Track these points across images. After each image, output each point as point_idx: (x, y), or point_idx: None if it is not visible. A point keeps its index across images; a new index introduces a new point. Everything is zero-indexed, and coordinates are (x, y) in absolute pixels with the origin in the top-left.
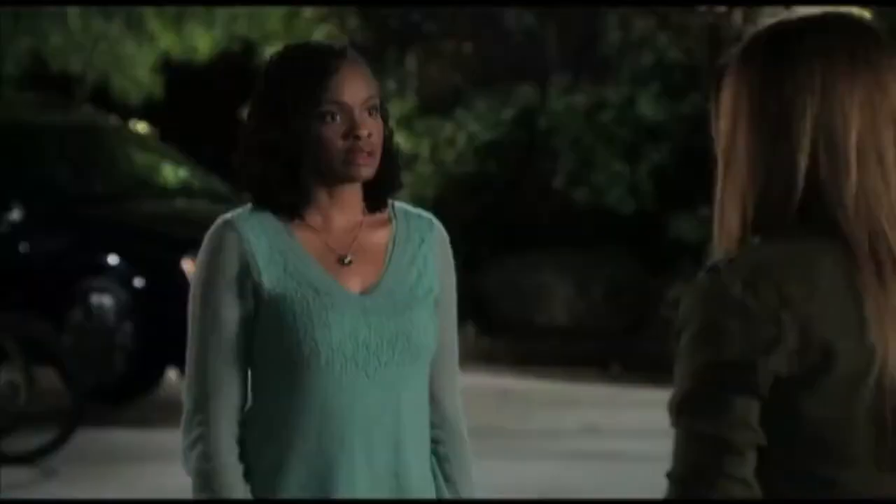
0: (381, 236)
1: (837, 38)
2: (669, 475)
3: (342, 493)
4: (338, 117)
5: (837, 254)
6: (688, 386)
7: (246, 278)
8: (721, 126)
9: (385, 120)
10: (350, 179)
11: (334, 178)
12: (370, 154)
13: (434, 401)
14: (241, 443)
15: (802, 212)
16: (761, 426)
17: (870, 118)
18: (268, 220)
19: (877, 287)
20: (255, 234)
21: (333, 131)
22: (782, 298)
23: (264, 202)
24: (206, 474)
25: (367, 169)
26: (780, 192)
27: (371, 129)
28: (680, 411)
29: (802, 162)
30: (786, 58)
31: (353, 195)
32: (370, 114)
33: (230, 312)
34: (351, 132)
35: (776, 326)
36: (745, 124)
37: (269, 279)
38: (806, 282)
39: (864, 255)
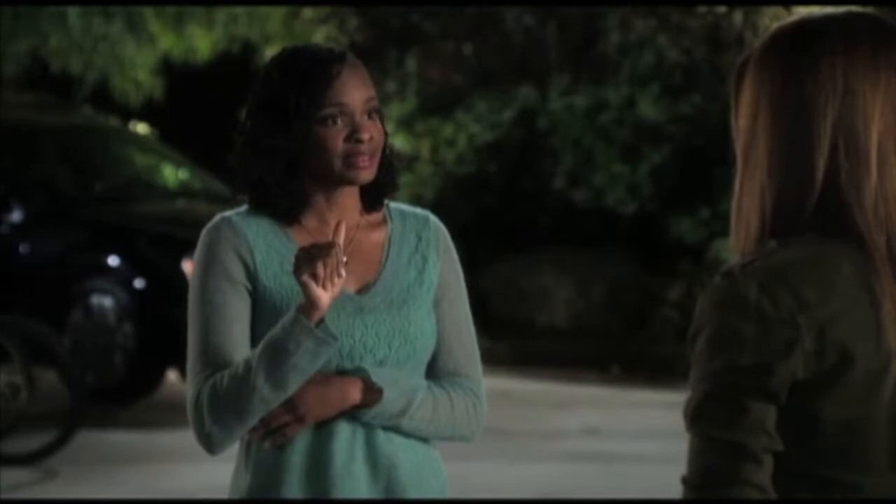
0: (377, 237)
1: (860, 37)
2: (685, 481)
3: (340, 489)
4: (339, 120)
5: (855, 257)
6: (703, 391)
7: (243, 273)
8: (740, 124)
9: (381, 121)
10: (350, 182)
11: (334, 180)
12: (371, 157)
13: (458, 375)
14: (242, 439)
15: (820, 214)
16: (779, 431)
17: (891, 120)
18: (265, 221)
19: (894, 291)
20: (252, 231)
21: (335, 134)
22: (799, 302)
23: (262, 205)
24: (221, 388)
25: (368, 172)
26: (798, 192)
27: (372, 133)
28: (695, 416)
29: (821, 162)
30: (807, 56)
31: (350, 197)
32: (370, 117)
33: (229, 300)
34: (352, 135)
35: (793, 330)
36: (765, 122)
37: (265, 276)
38: (823, 285)
39: (881, 258)
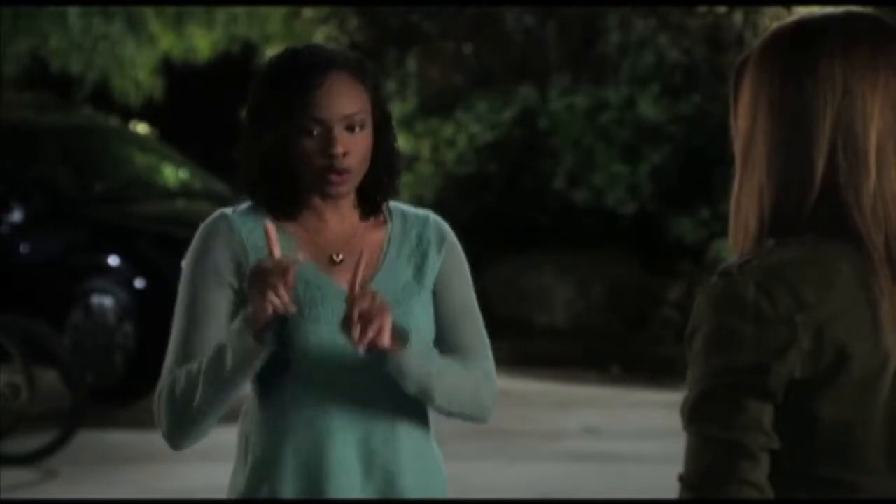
0: (377, 237)
1: (859, 37)
2: (682, 479)
3: (335, 487)
4: (316, 133)
5: (853, 256)
6: (700, 390)
7: (233, 270)
8: (739, 124)
9: (386, 126)
10: (325, 195)
11: (316, 189)
12: (343, 172)
13: (467, 352)
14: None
15: (818, 214)
16: (776, 430)
17: (891, 120)
18: (264, 218)
19: (892, 291)
20: (248, 228)
21: (312, 146)
22: (797, 301)
23: (259, 203)
24: (178, 387)
25: (341, 187)
26: (797, 192)
27: (349, 148)
28: (692, 415)
29: (820, 162)
30: (807, 56)
31: (347, 198)
32: (352, 130)
33: (216, 296)
34: (326, 149)
35: (790, 329)
36: (764, 122)
37: None
38: (821, 285)
39: (880, 258)
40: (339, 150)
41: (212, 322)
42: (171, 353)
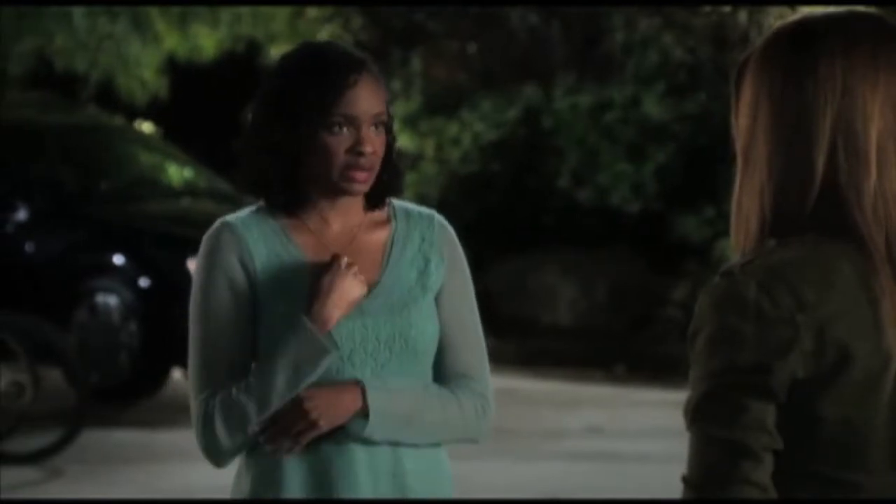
0: (380, 237)
1: (860, 37)
2: (685, 479)
3: (342, 494)
4: (345, 129)
5: (854, 256)
6: (703, 390)
7: (244, 277)
8: (740, 123)
9: (388, 127)
10: (344, 192)
11: (331, 187)
12: (369, 170)
13: (466, 377)
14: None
15: (819, 213)
16: (779, 430)
17: (891, 120)
18: (266, 223)
19: (893, 290)
20: (252, 236)
21: (338, 143)
22: (798, 301)
23: (261, 198)
24: (235, 404)
25: (364, 185)
26: (797, 191)
27: (375, 146)
28: (695, 415)
29: (820, 162)
30: (807, 56)
31: (352, 200)
32: (377, 128)
33: (230, 310)
34: (355, 147)
35: (792, 329)
36: (765, 122)
37: (265, 279)
38: (822, 284)
39: (881, 257)
40: (369, 147)
41: (232, 334)
42: (198, 375)
